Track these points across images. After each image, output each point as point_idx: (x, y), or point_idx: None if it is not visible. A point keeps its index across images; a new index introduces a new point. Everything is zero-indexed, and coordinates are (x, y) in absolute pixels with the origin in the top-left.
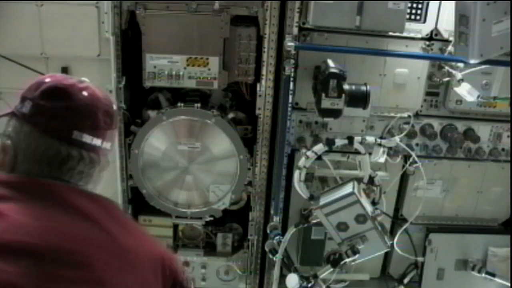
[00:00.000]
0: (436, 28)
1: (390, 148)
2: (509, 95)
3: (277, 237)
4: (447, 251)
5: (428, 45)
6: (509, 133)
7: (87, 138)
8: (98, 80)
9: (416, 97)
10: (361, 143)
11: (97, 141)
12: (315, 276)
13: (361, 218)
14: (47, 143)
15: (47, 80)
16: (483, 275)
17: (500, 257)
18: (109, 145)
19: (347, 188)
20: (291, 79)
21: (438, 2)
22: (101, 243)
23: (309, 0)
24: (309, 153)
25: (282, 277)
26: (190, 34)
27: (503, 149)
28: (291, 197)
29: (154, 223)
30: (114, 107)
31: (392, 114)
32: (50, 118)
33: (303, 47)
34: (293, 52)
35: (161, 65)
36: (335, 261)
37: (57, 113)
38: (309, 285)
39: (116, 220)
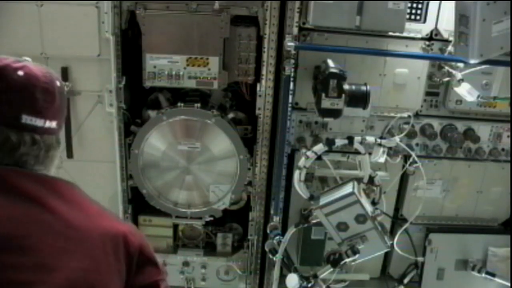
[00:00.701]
0: (436, 28)
1: (390, 148)
2: (509, 95)
3: (277, 237)
4: (447, 251)
5: (428, 45)
6: (509, 133)
7: (26, 119)
8: (98, 80)
9: (416, 97)
10: (361, 143)
11: (38, 122)
12: (315, 276)
13: (361, 218)
14: None
15: None
16: (483, 275)
17: (500, 257)
18: (54, 123)
19: (347, 188)
20: (291, 79)
21: (438, 2)
22: (44, 224)
23: (309, 0)
24: (309, 153)
25: (282, 277)
26: (190, 34)
27: (503, 149)
28: (291, 197)
29: (154, 223)
30: (57, 83)
31: (392, 114)
32: None
33: (303, 47)
34: (293, 52)
35: (161, 65)
36: (335, 261)
37: None
38: (309, 285)
39: (66, 200)
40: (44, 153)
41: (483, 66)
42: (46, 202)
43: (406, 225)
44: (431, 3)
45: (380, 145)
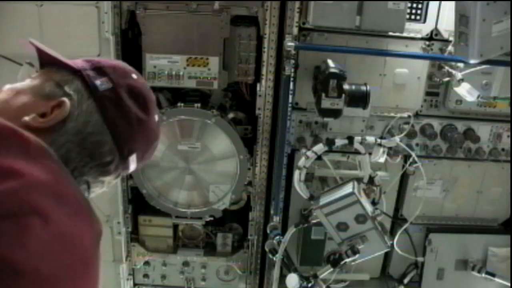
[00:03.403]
0: (436, 28)
1: (390, 148)
2: (509, 95)
3: (277, 237)
4: (447, 251)
5: (428, 45)
6: (509, 133)
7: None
8: None
9: (416, 97)
10: (361, 143)
11: None
12: (315, 276)
13: (361, 218)
14: (101, 134)
15: (135, 77)
16: (483, 275)
17: (500, 257)
18: None
19: (347, 188)
20: (291, 79)
21: (438, 2)
22: None
23: (309, 0)
24: (309, 153)
25: (282, 277)
26: (190, 34)
27: (503, 149)
28: (291, 197)
29: (154, 223)
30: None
31: (392, 114)
32: (121, 117)
33: (303, 47)
34: (293, 52)
35: (161, 65)
36: (335, 261)
37: (130, 121)
38: (309, 285)
39: None
40: None
41: (483, 66)
42: None
43: (406, 225)
44: (431, 3)
45: (380, 145)
